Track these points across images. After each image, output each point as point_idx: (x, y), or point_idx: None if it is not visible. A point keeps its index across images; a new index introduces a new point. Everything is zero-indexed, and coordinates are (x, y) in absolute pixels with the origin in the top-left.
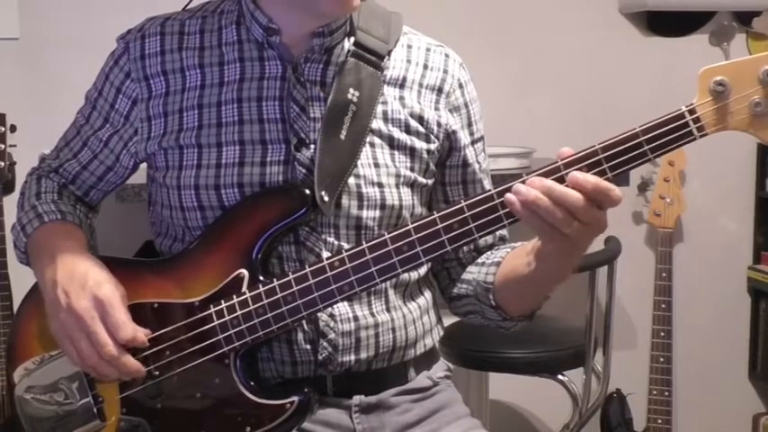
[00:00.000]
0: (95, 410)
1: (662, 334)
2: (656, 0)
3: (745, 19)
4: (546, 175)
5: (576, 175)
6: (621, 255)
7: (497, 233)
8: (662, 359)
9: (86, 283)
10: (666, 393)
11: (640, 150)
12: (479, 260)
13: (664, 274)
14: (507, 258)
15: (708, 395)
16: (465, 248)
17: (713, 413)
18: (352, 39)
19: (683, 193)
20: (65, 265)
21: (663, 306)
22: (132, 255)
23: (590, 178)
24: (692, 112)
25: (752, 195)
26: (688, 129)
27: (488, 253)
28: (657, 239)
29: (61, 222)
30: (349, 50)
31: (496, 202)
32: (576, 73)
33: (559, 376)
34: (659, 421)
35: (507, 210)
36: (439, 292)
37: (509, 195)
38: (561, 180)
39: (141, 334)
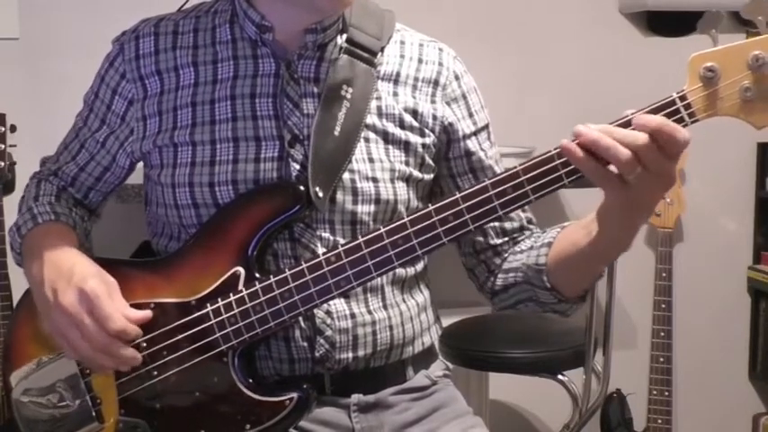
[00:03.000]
0: (93, 412)
1: (662, 334)
2: (656, 0)
3: (745, 19)
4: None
5: (642, 115)
6: (621, 255)
7: (523, 215)
8: (662, 359)
9: (72, 278)
10: (666, 393)
11: None
12: (523, 246)
13: (664, 274)
14: (562, 235)
15: (708, 395)
16: (492, 232)
17: (713, 413)
18: (345, 35)
19: (683, 192)
20: (52, 262)
21: (663, 306)
22: (129, 255)
23: (655, 117)
24: (682, 98)
25: (752, 195)
26: (679, 115)
27: (536, 236)
28: (657, 239)
29: (54, 223)
30: (342, 47)
31: (491, 193)
32: (576, 73)
33: (559, 376)
34: (659, 421)
35: (501, 201)
36: (477, 288)
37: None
38: None
39: (132, 325)
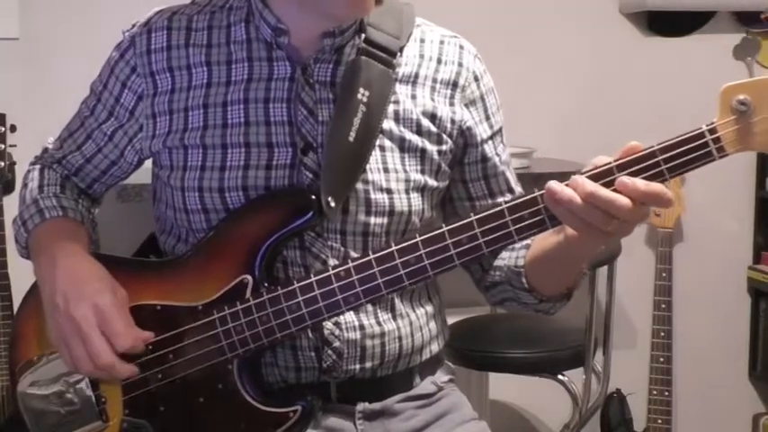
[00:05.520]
0: (98, 411)
1: (662, 334)
2: (655, 0)
3: (745, 19)
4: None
5: (625, 179)
6: (621, 255)
7: None
8: (662, 359)
9: (87, 289)
10: (666, 393)
11: (657, 170)
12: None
13: (664, 274)
14: (537, 240)
15: (708, 395)
16: None
17: (713, 413)
18: (363, 35)
19: (683, 192)
20: (65, 268)
21: (663, 306)
22: (134, 251)
23: (639, 184)
24: (712, 131)
25: (752, 195)
26: (707, 149)
27: None
28: (657, 239)
29: (63, 219)
30: (359, 48)
31: (507, 218)
32: (577, 73)
33: (559, 376)
34: (659, 421)
35: (517, 226)
36: (474, 283)
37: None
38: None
39: (140, 341)
